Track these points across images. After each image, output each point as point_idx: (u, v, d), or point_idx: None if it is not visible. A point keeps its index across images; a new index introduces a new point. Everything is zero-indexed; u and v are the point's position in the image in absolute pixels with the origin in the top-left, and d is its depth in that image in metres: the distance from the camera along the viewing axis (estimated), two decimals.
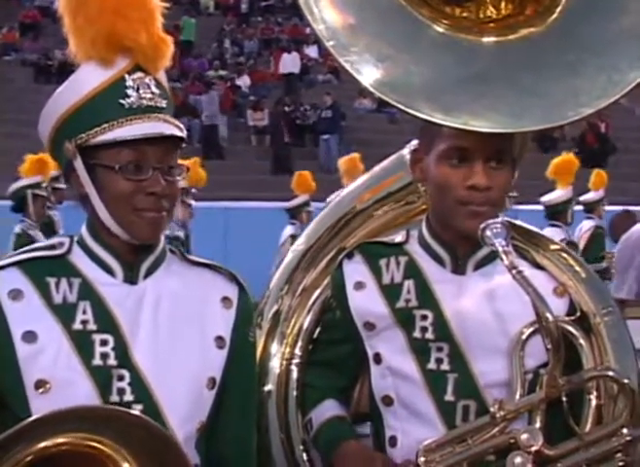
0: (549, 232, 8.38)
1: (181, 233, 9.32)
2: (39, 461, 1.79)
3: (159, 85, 2.22)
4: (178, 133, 2.19)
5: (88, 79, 2.18)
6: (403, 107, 2.17)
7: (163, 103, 2.21)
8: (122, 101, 2.15)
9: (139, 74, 2.19)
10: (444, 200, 2.40)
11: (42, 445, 1.78)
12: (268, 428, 2.65)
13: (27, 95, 24.43)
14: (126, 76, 2.17)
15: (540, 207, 10.01)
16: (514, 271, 2.20)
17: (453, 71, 2.27)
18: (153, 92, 2.19)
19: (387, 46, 2.23)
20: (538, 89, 2.25)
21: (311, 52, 29.77)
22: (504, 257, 2.22)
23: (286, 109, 25.32)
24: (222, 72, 27.74)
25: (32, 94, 24.86)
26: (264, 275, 3.01)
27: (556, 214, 9.80)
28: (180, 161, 2.26)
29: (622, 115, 23.45)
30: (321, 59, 29.39)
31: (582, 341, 2.38)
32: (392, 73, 2.21)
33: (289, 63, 27.79)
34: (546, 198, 9.91)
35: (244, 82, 27.65)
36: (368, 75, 2.20)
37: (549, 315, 2.18)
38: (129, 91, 2.16)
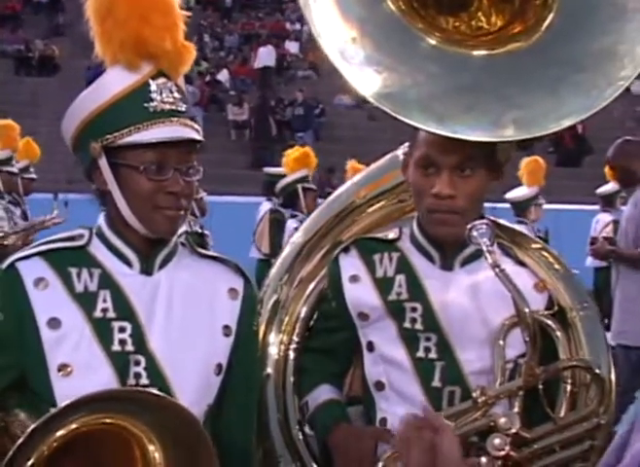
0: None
1: (199, 229, 9.38)
2: (67, 445, 1.90)
3: (179, 89, 2.35)
4: (197, 137, 2.33)
5: (115, 82, 2.29)
6: (399, 116, 2.34)
7: (183, 107, 2.34)
8: (146, 105, 2.28)
9: (162, 79, 2.32)
10: (419, 206, 2.60)
11: (60, 433, 1.88)
12: (267, 409, 2.81)
13: (7, 87, 24.31)
14: (150, 81, 2.30)
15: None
16: (496, 269, 2.38)
17: (445, 83, 2.44)
18: (174, 97, 2.32)
19: (385, 58, 2.39)
20: (522, 102, 2.42)
21: (292, 47, 29.81)
22: (488, 255, 2.39)
23: (268, 104, 25.40)
24: (202, 66, 27.80)
25: (12, 86, 24.74)
26: None
27: (521, 211, 10.16)
28: None
29: (599, 116, 23.26)
30: (301, 55, 29.43)
31: (558, 333, 2.55)
32: (389, 84, 2.37)
33: (265, 57, 27.80)
34: (511, 195, 10.23)
35: (224, 76, 27.71)
36: (367, 86, 2.37)
37: (526, 310, 2.36)
38: (153, 96, 2.29)
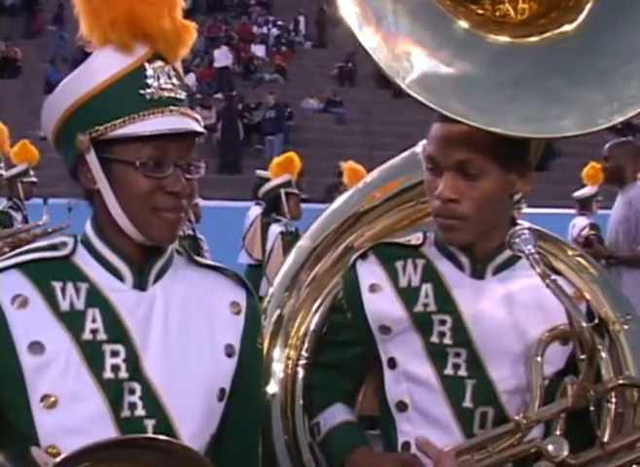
0: None
1: (191, 232, 9.13)
2: None
3: (177, 75, 2.07)
4: (199, 129, 2.05)
5: (105, 66, 2.00)
6: (437, 107, 2.13)
7: (182, 95, 2.06)
8: (142, 92, 1.99)
9: (159, 63, 2.03)
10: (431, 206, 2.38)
11: None
12: (272, 431, 2.58)
13: None
14: (146, 64, 2.01)
15: None
16: (547, 280, 2.17)
17: (484, 72, 2.23)
18: (173, 83, 2.03)
19: (420, 45, 2.19)
20: (568, 95, 2.22)
21: (258, 50, 29.70)
22: (535, 265, 2.19)
23: (234, 107, 25.26)
24: None
25: None
26: None
27: None
28: None
29: None
30: (267, 58, 29.36)
31: (603, 353, 2.36)
32: (426, 73, 2.17)
33: (221, 58, 27.73)
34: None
35: (190, 79, 27.49)
36: (403, 75, 2.15)
37: (584, 324, 2.14)
38: (150, 81, 2.00)
